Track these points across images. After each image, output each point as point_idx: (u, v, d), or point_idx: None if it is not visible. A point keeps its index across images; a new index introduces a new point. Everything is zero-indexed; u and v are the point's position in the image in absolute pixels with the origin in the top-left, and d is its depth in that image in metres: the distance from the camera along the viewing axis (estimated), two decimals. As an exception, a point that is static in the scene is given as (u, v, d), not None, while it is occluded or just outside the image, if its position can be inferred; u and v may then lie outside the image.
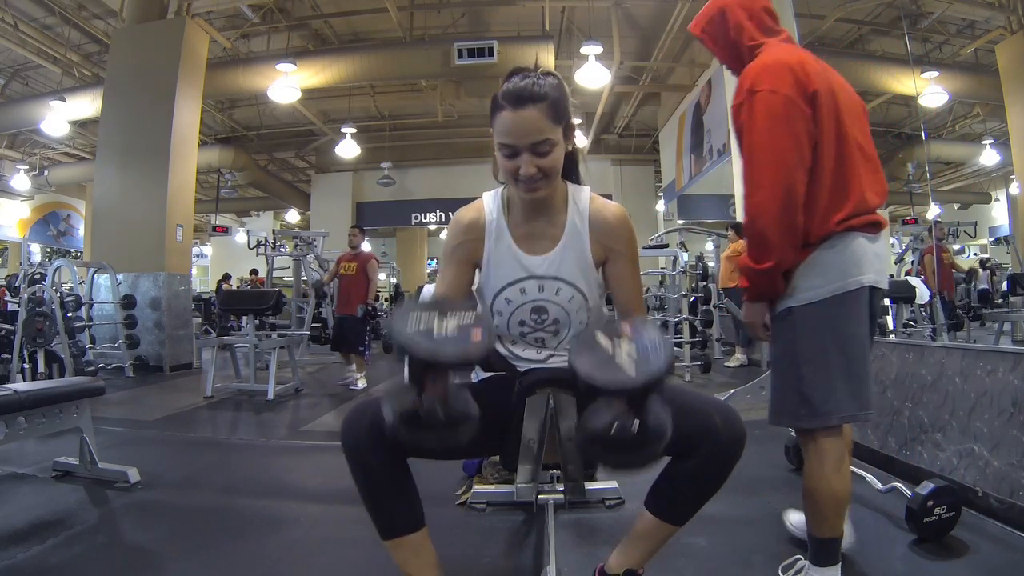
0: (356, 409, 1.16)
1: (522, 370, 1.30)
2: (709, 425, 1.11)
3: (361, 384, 4.99)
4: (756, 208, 1.34)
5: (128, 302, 5.82)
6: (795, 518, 1.79)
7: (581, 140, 9.94)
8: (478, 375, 1.40)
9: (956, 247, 6.73)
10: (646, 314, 1.27)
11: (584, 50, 6.82)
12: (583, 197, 1.25)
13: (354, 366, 5.09)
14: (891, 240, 11.25)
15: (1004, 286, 6.62)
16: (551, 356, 1.32)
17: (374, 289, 5.19)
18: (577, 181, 1.29)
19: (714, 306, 6.32)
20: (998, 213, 9.86)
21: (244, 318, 5.83)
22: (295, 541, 1.85)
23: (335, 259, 5.47)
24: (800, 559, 1.51)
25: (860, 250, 1.35)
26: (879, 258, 1.39)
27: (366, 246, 5.49)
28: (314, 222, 12.59)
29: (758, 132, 1.33)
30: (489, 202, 1.28)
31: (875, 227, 1.38)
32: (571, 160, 1.25)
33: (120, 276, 6.01)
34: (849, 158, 1.36)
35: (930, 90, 6.71)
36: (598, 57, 6.86)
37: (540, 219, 1.25)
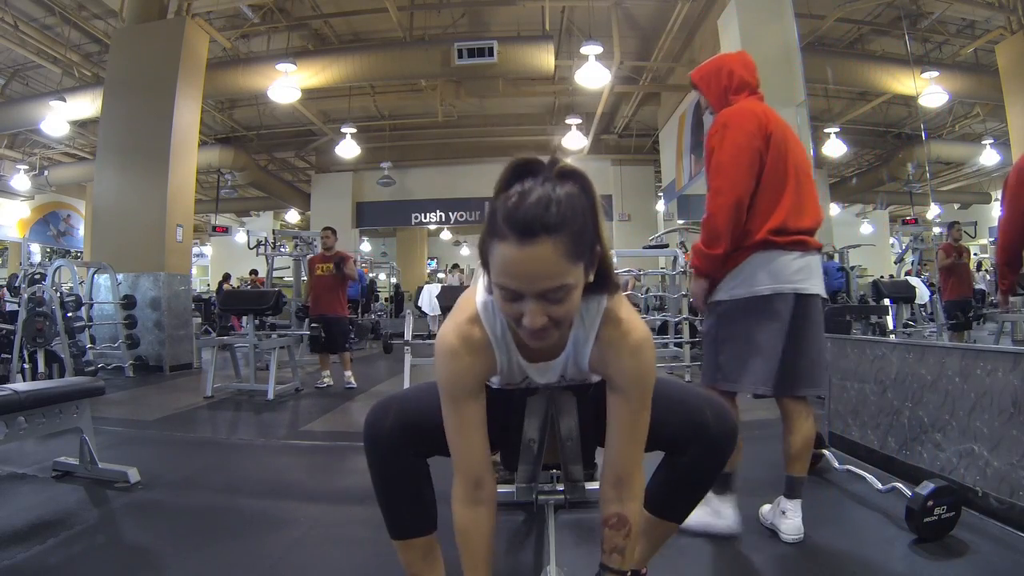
0: (379, 406, 1.14)
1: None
2: (700, 420, 1.10)
3: (354, 381, 5.03)
4: (717, 208, 1.72)
5: (128, 302, 5.82)
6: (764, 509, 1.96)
7: (581, 141, 9.99)
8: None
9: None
10: (642, 479, 1.07)
11: (584, 50, 6.82)
12: (594, 313, 1.02)
13: (328, 372, 5.13)
14: (891, 240, 11.28)
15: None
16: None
17: (353, 272, 5.24)
18: (608, 289, 1.00)
19: (714, 306, 6.31)
20: (998, 213, 9.84)
21: (244, 318, 5.83)
22: (295, 541, 1.85)
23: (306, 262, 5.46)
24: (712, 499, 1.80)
25: (781, 264, 1.74)
26: (805, 270, 1.77)
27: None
28: (314, 222, 12.58)
29: (726, 154, 1.73)
30: (487, 316, 1.04)
31: (801, 245, 1.76)
32: (601, 272, 0.96)
33: (120, 276, 6.01)
34: (786, 187, 1.76)
35: (930, 90, 6.71)
36: (598, 57, 6.85)
37: None
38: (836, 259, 7.43)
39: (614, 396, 1.03)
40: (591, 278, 0.93)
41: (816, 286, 1.78)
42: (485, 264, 0.90)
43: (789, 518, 1.76)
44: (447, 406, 1.04)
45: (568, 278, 0.85)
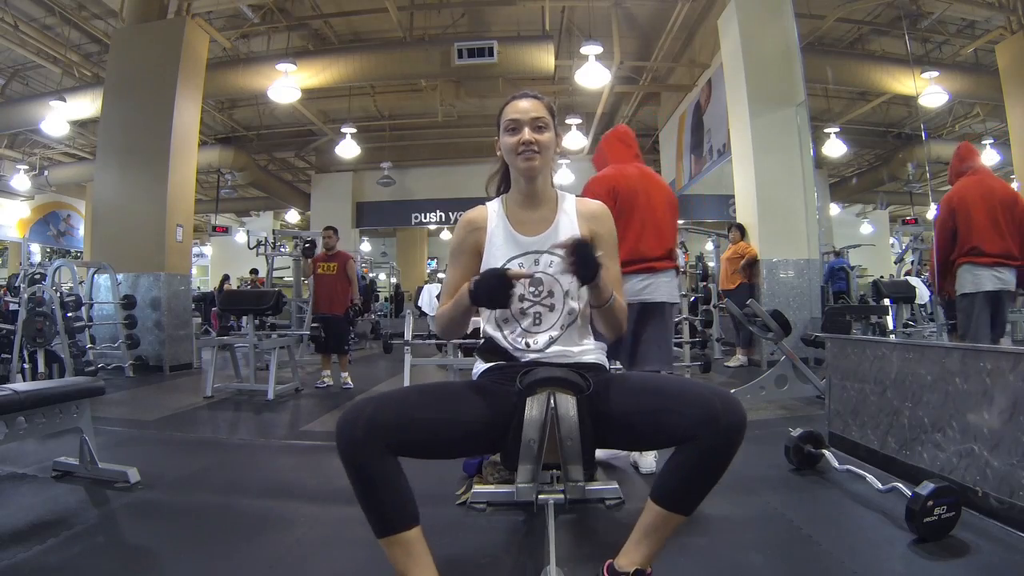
0: (351, 409, 1.20)
1: (524, 361, 1.36)
2: (710, 411, 1.13)
3: (350, 382, 5.04)
4: None
5: (128, 302, 5.81)
6: (644, 462, 2.49)
7: (581, 141, 10.02)
8: (478, 368, 1.42)
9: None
10: (622, 294, 1.47)
11: (584, 50, 6.81)
12: (570, 196, 1.50)
13: (329, 372, 5.13)
14: (891, 240, 11.28)
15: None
16: (550, 343, 1.37)
17: (356, 289, 5.26)
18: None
19: (714, 306, 6.32)
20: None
21: (244, 318, 5.83)
22: (295, 541, 1.85)
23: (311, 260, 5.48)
24: None
25: (637, 281, 2.50)
26: (659, 285, 2.55)
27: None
28: (314, 222, 12.58)
29: None
30: (490, 204, 1.49)
31: (649, 270, 2.52)
32: None
33: (120, 276, 6.01)
34: (633, 229, 2.49)
35: (930, 90, 6.71)
36: (598, 57, 6.85)
37: (535, 210, 1.44)
38: (841, 257, 7.41)
39: (600, 249, 1.40)
40: (559, 149, 1.46)
41: (660, 297, 2.55)
42: (498, 131, 1.43)
43: (646, 455, 2.43)
44: (450, 259, 1.51)
45: (547, 118, 1.39)
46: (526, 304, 1.39)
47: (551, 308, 1.38)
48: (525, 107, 1.39)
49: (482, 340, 1.45)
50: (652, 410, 1.21)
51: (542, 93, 1.47)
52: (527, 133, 1.36)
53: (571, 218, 1.43)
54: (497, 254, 1.41)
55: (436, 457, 1.34)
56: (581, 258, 1.21)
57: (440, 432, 1.23)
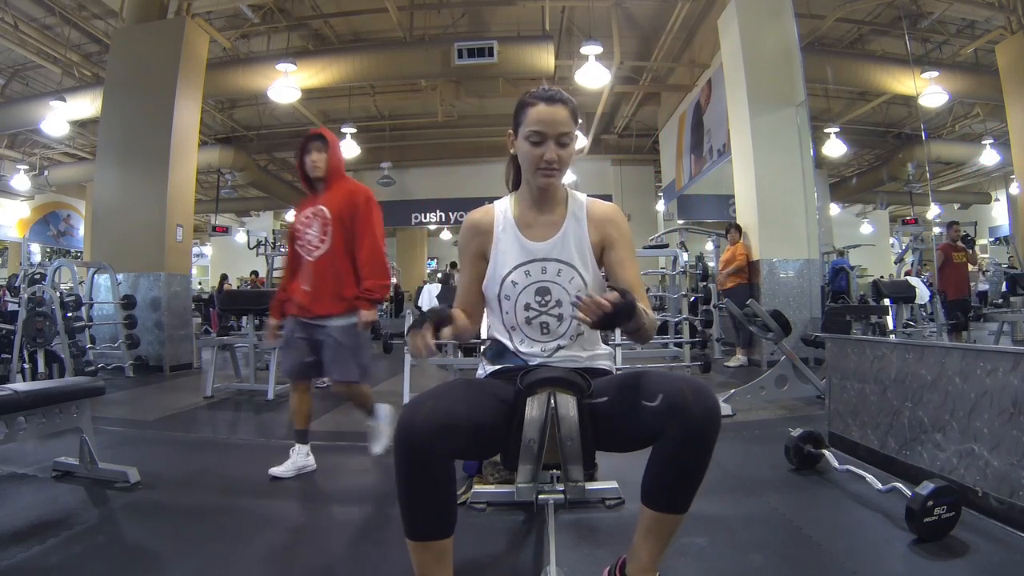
0: (413, 404, 1.15)
1: (531, 365, 1.34)
2: (679, 401, 1.11)
3: None
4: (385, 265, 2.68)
5: (128, 302, 5.81)
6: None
7: (581, 141, 10.01)
8: (484, 370, 1.41)
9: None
10: (646, 298, 1.36)
11: (584, 50, 6.81)
12: (580, 195, 1.43)
13: None
14: (891, 240, 11.29)
15: (1004, 286, 6.64)
16: (557, 350, 1.35)
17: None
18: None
19: (714, 306, 6.32)
20: (998, 213, 9.86)
21: (244, 318, 5.82)
22: (295, 541, 1.85)
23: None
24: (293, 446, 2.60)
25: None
26: None
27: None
28: (314, 222, 12.55)
29: (377, 223, 2.70)
30: (497, 204, 1.44)
31: None
32: None
33: (120, 276, 6.01)
34: None
35: (930, 90, 6.72)
36: (598, 57, 6.85)
37: (543, 213, 1.39)
38: (842, 257, 7.41)
39: (613, 251, 1.38)
40: (582, 146, 1.32)
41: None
42: (516, 128, 1.33)
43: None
44: (460, 262, 1.48)
45: (572, 130, 1.31)
46: (532, 313, 1.36)
47: (559, 318, 1.35)
48: (553, 118, 1.28)
49: (487, 342, 1.43)
50: (634, 406, 1.17)
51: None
52: (552, 150, 1.28)
53: (581, 223, 1.38)
54: (503, 260, 1.37)
55: (483, 458, 1.33)
56: (611, 317, 1.07)
57: (495, 432, 1.19)
